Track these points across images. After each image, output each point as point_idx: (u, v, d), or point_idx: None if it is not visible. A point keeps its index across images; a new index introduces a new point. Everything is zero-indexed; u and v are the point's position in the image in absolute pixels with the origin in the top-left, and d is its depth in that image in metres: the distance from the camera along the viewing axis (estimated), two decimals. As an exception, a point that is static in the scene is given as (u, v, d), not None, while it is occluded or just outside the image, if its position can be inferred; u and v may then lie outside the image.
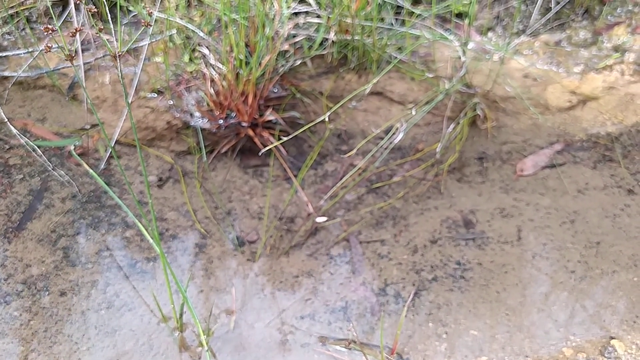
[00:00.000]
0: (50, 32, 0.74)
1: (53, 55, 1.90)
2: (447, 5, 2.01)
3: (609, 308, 1.35)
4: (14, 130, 1.61)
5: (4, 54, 1.87)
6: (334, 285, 1.42)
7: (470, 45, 2.00)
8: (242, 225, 1.56)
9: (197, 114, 1.79)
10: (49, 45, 0.81)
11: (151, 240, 1.17)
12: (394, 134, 1.73)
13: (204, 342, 1.27)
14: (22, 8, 1.94)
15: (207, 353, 1.27)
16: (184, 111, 1.80)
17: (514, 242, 1.50)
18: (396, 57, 1.89)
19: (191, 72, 1.85)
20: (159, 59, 1.90)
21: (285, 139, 1.67)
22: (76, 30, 0.78)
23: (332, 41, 1.88)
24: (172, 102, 1.82)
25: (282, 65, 1.84)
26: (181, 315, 1.29)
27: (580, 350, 1.27)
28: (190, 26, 1.82)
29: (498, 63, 1.94)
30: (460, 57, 1.87)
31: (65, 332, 1.29)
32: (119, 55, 0.85)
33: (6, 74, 1.82)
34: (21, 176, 1.59)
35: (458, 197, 1.62)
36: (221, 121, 1.77)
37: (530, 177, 1.67)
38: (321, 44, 1.91)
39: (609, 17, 2.06)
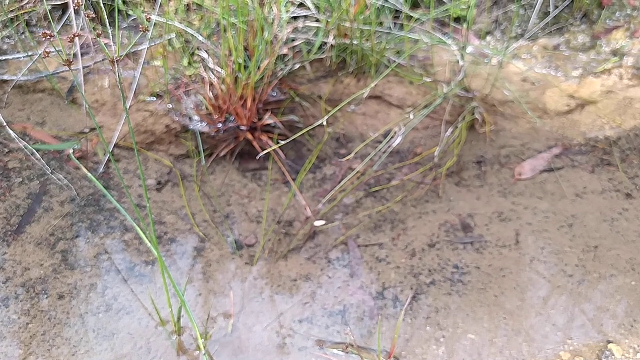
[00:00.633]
0: (48, 37, 0.75)
1: (52, 59, 1.90)
2: (446, 10, 2.02)
3: (606, 312, 1.35)
4: (13, 134, 1.62)
5: (4, 57, 1.88)
6: (332, 288, 1.42)
7: (469, 49, 2.01)
8: (240, 229, 1.56)
9: (196, 117, 1.79)
10: (47, 50, 0.81)
11: (149, 244, 1.17)
12: (392, 137, 1.73)
13: (202, 346, 1.27)
14: (21, 12, 1.95)
15: (204, 356, 1.27)
16: (183, 115, 1.80)
17: (512, 245, 1.50)
18: (395, 61, 1.89)
19: (190, 76, 1.85)
20: (158, 63, 1.90)
21: (283, 142, 1.68)
22: (74, 35, 0.79)
23: (331, 45, 1.88)
24: (171, 106, 1.82)
25: (281, 69, 1.85)
26: (179, 318, 1.29)
27: (578, 354, 1.27)
28: (189, 30, 1.82)
29: (496, 67, 1.95)
30: (458, 61, 1.88)
31: (64, 335, 1.29)
32: (117, 60, 0.86)
33: (5, 77, 1.83)
34: (20, 179, 1.59)
35: (456, 201, 1.63)
36: (220, 125, 1.77)
37: (528, 181, 1.67)
38: (320, 47, 1.92)
39: (607, 21, 2.06)
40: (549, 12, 2.08)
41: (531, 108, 1.85)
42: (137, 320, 1.33)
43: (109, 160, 1.67)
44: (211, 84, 1.76)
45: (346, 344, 1.30)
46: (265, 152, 1.70)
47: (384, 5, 1.93)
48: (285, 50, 1.83)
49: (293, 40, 1.88)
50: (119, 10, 1.42)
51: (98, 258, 1.45)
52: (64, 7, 1.98)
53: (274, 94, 1.86)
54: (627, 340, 1.29)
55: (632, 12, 2.07)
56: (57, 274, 1.40)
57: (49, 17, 0.98)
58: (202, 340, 1.29)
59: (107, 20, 1.11)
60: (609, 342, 1.29)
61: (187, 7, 1.98)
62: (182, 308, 1.28)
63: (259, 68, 1.71)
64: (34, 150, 1.63)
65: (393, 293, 1.41)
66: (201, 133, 1.77)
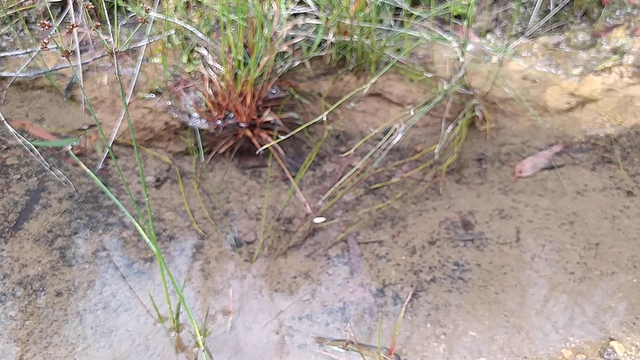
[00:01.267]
0: (46, 27, 0.74)
1: (51, 55, 1.90)
2: (446, 7, 2.01)
3: (608, 309, 1.34)
4: (12, 130, 1.61)
5: (3, 54, 1.87)
6: (332, 286, 1.41)
7: (469, 46, 2.00)
8: (239, 226, 1.55)
9: (195, 114, 1.79)
10: (45, 42, 0.81)
11: (148, 241, 1.16)
12: (392, 135, 1.72)
13: (201, 343, 1.26)
14: (20, 9, 1.94)
15: (203, 354, 1.26)
16: (182, 112, 1.80)
17: (512, 243, 1.49)
18: (395, 59, 1.89)
19: (189, 73, 1.84)
20: (157, 60, 1.89)
21: (283, 138, 1.67)
22: (73, 26, 0.78)
23: (331, 42, 1.87)
24: (170, 103, 1.81)
25: (281, 66, 1.84)
26: (178, 315, 1.28)
27: (580, 351, 1.27)
28: (188, 27, 1.81)
29: (497, 65, 1.94)
30: (459, 59, 1.87)
31: (62, 332, 1.28)
32: (116, 53, 0.85)
33: (4, 74, 1.82)
34: (18, 176, 1.59)
35: (457, 198, 1.62)
36: (219, 122, 1.76)
37: (529, 178, 1.66)
38: (320, 45, 1.91)
39: (607, 20, 2.06)
40: (549, 10, 2.07)
41: (532, 106, 1.85)
42: (135, 318, 1.32)
43: (107, 157, 1.66)
44: (211, 81, 1.75)
45: (346, 341, 1.29)
46: (264, 147, 1.69)
47: (384, 3, 1.93)
48: (285, 48, 1.82)
49: (293, 37, 1.88)
50: (118, 7, 1.41)
51: (96, 255, 1.44)
52: (63, 4, 1.97)
53: (274, 91, 1.85)
54: (629, 337, 1.29)
55: (633, 10, 2.07)
56: (55, 271, 1.39)
57: (49, 13, 0.98)
58: (201, 337, 1.28)
59: (106, 17, 1.10)
60: (611, 339, 1.28)
61: (187, 4, 1.97)
62: (181, 305, 1.27)
63: (258, 65, 1.71)
64: (33, 147, 1.62)
65: (393, 290, 1.40)
66: (200, 130, 1.76)
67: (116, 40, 0.93)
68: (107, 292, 1.37)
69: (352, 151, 1.71)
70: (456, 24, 2.05)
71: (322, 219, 1.57)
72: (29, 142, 1.63)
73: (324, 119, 1.77)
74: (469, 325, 1.32)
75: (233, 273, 1.43)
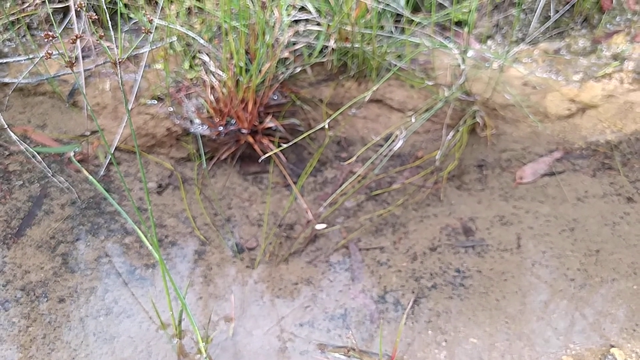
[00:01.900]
0: (50, 38, 0.75)
1: (53, 62, 1.90)
2: (447, 14, 2.02)
3: (608, 316, 1.35)
4: (14, 137, 1.62)
5: (5, 60, 1.88)
6: (333, 292, 1.42)
7: (470, 53, 2.01)
8: (241, 232, 1.56)
9: (197, 120, 1.79)
10: (49, 52, 0.81)
11: (150, 247, 1.17)
12: (393, 141, 1.73)
13: (203, 349, 1.27)
14: (23, 15, 1.95)
15: (205, 360, 1.27)
16: (184, 118, 1.80)
17: (513, 249, 1.50)
18: (396, 65, 1.89)
19: (191, 79, 1.85)
20: (159, 66, 1.90)
21: (285, 145, 1.67)
22: (76, 37, 0.78)
23: (332, 49, 1.88)
24: (172, 109, 1.82)
25: (282, 73, 1.85)
26: (180, 322, 1.28)
27: (580, 358, 1.27)
28: (190, 33, 1.82)
29: (497, 71, 1.95)
30: (459, 65, 1.88)
31: (64, 338, 1.28)
32: (120, 62, 0.86)
33: (7, 80, 1.82)
34: (21, 182, 1.59)
35: (457, 205, 1.62)
36: (221, 128, 1.77)
37: (529, 184, 1.67)
38: (321, 51, 1.92)
39: (608, 26, 2.07)
40: (550, 16, 2.08)
41: (532, 112, 1.86)
42: (137, 324, 1.33)
43: (109, 163, 1.67)
44: (212, 87, 1.76)
45: (348, 348, 1.30)
46: (266, 155, 1.70)
47: (385, 9, 1.94)
48: (286, 54, 1.83)
49: (294, 43, 1.88)
50: (120, 14, 1.42)
51: (99, 261, 1.44)
52: (65, 11, 1.98)
53: (275, 98, 1.86)
54: (630, 344, 1.29)
55: (633, 16, 2.08)
56: (58, 277, 1.40)
57: (51, 19, 0.98)
58: (204, 344, 1.28)
59: (109, 24, 1.11)
60: (612, 346, 1.29)
61: (189, 11, 1.98)
62: (183, 311, 1.28)
63: (260, 71, 1.71)
64: (35, 153, 1.63)
65: (394, 297, 1.40)
66: (202, 136, 1.77)
67: (120, 48, 0.94)
68: (110, 298, 1.37)
69: (353, 158, 1.72)
70: (457, 30, 2.06)
71: (323, 225, 1.58)
72: (31, 149, 1.63)
73: (326, 126, 1.77)
74: (470, 332, 1.33)
75: (235, 279, 1.44)
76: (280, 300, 1.40)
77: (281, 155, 1.74)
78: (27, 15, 1.97)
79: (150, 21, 0.85)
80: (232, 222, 1.58)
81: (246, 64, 1.75)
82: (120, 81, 0.81)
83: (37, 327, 1.30)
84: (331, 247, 1.53)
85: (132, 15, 1.97)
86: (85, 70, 1.85)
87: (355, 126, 1.84)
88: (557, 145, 1.77)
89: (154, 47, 1.89)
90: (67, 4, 1.95)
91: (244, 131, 1.77)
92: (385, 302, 1.39)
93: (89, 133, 1.75)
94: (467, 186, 1.68)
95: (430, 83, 1.89)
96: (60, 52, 0.80)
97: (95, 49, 1.91)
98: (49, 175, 1.61)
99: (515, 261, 1.47)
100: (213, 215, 1.59)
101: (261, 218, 1.59)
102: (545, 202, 1.62)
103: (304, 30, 1.92)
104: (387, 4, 1.92)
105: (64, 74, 1.86)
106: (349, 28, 1.81)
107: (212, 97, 1.76)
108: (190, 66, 1.88)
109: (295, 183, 1.68)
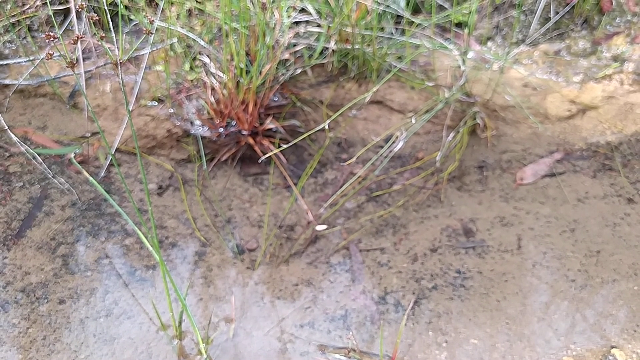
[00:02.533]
0: (51, 39, 0.75)
1: (54, 63, 1.91)
2: (447, 15, 2.02)
3: (609, 317, 1.35)
4: (15, 138, 1.62)
5: (5, 62, 1.88)
6: (334, 293, 1.42)
7: (470, 54, 2.01)
8: (242, 234, 1.56)
9: (198, 122, 1.79)
10: (50, 52, 0.81)
11: (151, 248, 1.17)
12: (393, 142, 1.73)
13: (203, 351, 1.27)
14: (23, 17, 1.95)
15: (206, 361, 1.27)
16: (185, 119, 1.80)
17: (514, 250, 1.50)
18: (396, 66, 1.90)
19: (192, 81, 1.85)
20: (159, 68, 1.90)
21: (285, 147, 1.67)
22: (77, 37, 0.78)
23: (333, 50, 1.88)
24: (172, 111, 1.82)
25: (283, 74, 1.85)
26: (180, 323, 1.28)
27: (581, 359, 1.27)
28: (191, 35, 1.82)
29: (498, 72, 1.95)
30: (460, 66, 1.88)
31: (64, 340, 1.28)
32: (120, 63, 0.86)
33: (7, 82, 1.83)
34: (21, 184, 1.59)
35: (458, 206, 1.62)
36: (221, 129, 1.77)
37: (530, 185, 1.67)
38: (321, 52, 1.92)
39: (608, 27, 2.07)
40: (550, 17, 2.08)
41: (532, 113, 1.86)
42: (138, 325, 1.33)
43: (110, 164, 1.67)
44: (213, 89, 1.76)
45: (348, 349, 1.30)
46: (266, 156, 1.70)
47: (385, 11, 1.94)
48: (286, 55, 1.83)
49: (295, 45, 1.89)
50: (121, 15, 1.42)
51: (99, 262, 1.44)
52: (66, 12, 1.99)
53: (276, 99, 1.86)
54: (630, 345, 1.29)
55: (633, 18, 2.08)
56: (58, 279, 1.40)
57: (52, 21, 0.98)
58: (204, 345, 1.28)
59: (109, 25, 1.11)
60: (612, 347, 1.29)
61: (189, 12, 1.99)
62: (184, 312, 1.28)
63: (260, 73, 1.71)
64: (36, 155, 1.63)
65: (395, 298, 1.40)
66: (203, 137, 1.77)
67: (120, 49, 0.94)
68: (110, 299, 1.37)
69: (354, 159, 1.72)
70: (457, 31, 2.06)
71: (323, 227, 1.58)
72: (31, 150, 1.63)
73: (326, 127, 1.77)
74: (471, 333, 1.33)
75: (235, 280, 1.44)
76: (281, 301, 1.40)
77: (281, 157, 1.74)
78: (28, 17, 1.97)
79: (151, 22, 0.85)
80: (233, 223, 1.58)
81: (247, 65, 1.75)
82: (121, 82, 0.81)
83: (37, 329, 1.30)
84: (332, 248, 1.52)
85: (132, 17, 1.97)
86: (85, 72, 1.85)
87: (355, 127, 1.84)
88: (557, 146, 1.77)
89: (155, 48, 1.89)
90: (67, 6, 1.96)
91: (244, 132, 1.77)
92: (386, 303, 1.39)
93: (89, 134, 1.75)
94: (468, 187, 1.68)
95: (430, 84, 1.89)
96: (61, 53, 0.80)
97: (95, 50, 1.91)
98: (50, 176, 1.61)
99: (516, 262, 1.47)
100: (213, 216, 1.59)
101: (262, 219, 1.59)
102: (546, 203, 1.62)
103: (304, 32, 1.92)
104: (388, 6, 1.92)
105: (64, 76, 1.86)
106: (349, 29, 1.81)
107: (212, 99, 1.76)
108: (191, 68, 1.88)
109: (295, 184, 1.68)
